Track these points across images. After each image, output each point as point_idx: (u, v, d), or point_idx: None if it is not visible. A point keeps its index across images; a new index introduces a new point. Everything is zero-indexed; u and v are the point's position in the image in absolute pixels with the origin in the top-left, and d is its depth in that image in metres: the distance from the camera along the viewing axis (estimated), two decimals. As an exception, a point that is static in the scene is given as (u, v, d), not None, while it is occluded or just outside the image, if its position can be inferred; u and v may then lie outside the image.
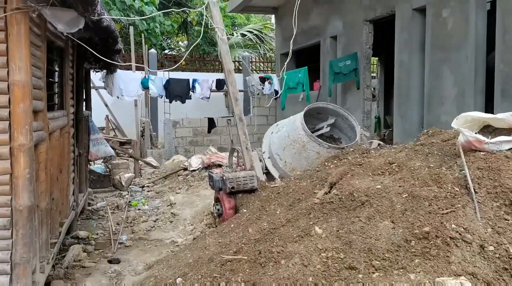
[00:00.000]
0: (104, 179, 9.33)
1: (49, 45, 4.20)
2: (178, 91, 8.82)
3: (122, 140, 10.61)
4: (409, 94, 7.78)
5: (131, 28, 13.22)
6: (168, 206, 7.27)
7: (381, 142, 5.65)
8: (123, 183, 9.18)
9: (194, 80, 9.03)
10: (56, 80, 4.72)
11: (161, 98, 9.42)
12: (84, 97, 7.09)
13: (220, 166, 8.53)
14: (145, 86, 8.62)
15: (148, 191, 8.77)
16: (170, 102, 9.54)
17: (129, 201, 8.04)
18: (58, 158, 4.79)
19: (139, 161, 10.43)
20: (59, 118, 4.70)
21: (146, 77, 8.64)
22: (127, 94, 8.38)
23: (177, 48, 25.21)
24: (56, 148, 4.62)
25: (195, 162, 8.91)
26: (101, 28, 3.95)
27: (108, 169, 10.09)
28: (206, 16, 4.96)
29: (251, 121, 13.78)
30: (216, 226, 5.22)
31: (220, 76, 13.28)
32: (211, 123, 12.91)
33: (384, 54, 12.74)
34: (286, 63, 6.41)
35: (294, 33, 6.46)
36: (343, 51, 9.92)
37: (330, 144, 4.79)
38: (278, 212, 3.59)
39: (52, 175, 4.44)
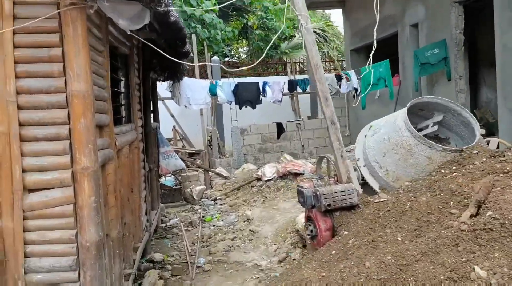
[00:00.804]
0: (175, 193, 8.92)
1: (112, 51, 3.70)
2: (247, 96, 8.23)
3: (191, 151, 10.21)
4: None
5: (193, 36, 12.89)
6: (245, 221, 6.65)
7: (504, 141, 4.66)
8: (195, 197, 8.72)
9: (265, 83, 8.40)
10: (122, 90, 4.23)
11: (230, 104, 8.87)
12: (151, 108, 6.68)
13: (296, 174, 7.82)
14: (213, 93, 8.11)
15: (221, 204, 8.23)
16: (240, 108, 8.98)
17: (203, 216, 7.53)
18: (128, 177, 4.30)
19: (209, 172, 9.96)
20: (128, 133, 4.21)
21: (214, 83, 8.12)
22: (195, 103, 7.91)
23: (237, 55, 24.93)
24: (125, 166, 4.12)
25: (269, 171, 8.25)
26: (168, 25, 3.38)
27: (178, 182, 9.71)
28: (287, 2, 4.27)
29: (322, 123, 12.93)
30: (307, 248, 4.50)
31: (286, 78, 12.59)
32: (280, 128, 12.27)
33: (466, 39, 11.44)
34: (370, 54, 5.51)
35: (377, 21, 5.58)
36: (426, 40, 8.86)
37: (444, 146, 3.90)
38: (399, 239, 2.79)
39: (123, 197, 3.93)
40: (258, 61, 5.52)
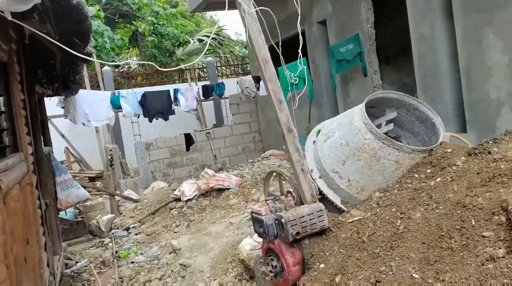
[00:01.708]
0: (78, 226, 7.58)
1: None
2: (158, 107, 7.24)
3: (92, 175, 8.84)
4: (437, 72, 6.55)
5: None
6: (171, 253, 5.67)
7: (457, 135, 4.34)
8: (103, 228, 7.48)
9: (176, 91, 7.48)
10: (2, 109, 3.08)
11: (138, 117, 7.76)
12: (40, 130, 5.40)
13: (221, 190, 7.02)
14: (115, 105, 6.96)
15: (136, 234, 7.10)
16: (150, 120, 7.91)
17: (116, 252, 6.38)
18: (22, 226, 3.14)
19: (116, 197, 8.71)
20: (16, 167, 3.07)
21: (116, 94, 6.98)
22: (95, 119, 6.72)
23: (128, 65, 23.32)
24: (17, 213, 2.98)
25: (188, 189, 7.33)
26: (68, 11, 2.38)
27: (79, 212, 8.36)
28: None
29: (232, 130, 12.27)
30: (258, 282, 3.72)
31: (185, 86, 11.62)
32: (189, 139, 11.37)
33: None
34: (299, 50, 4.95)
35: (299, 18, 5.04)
36: (336, 36, 8.63)
37: (414, 147, 3.40)
38: (417, 276, 2.14)
39: (18, 258, 2.81)
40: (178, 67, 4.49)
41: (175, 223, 6.70)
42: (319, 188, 3.69)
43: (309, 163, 3.85)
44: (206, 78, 16.68)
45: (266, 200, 3.55)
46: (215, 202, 6.73)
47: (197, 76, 17.40)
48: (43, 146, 5.37)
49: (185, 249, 5.51)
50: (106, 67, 14.22)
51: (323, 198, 3.71)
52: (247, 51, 25.47)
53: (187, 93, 7.51)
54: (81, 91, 6.38)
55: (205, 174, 7.04)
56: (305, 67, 8.31)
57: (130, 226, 7.42)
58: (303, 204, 3.39)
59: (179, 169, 11.44)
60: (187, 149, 11.43)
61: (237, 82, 8.56)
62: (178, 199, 7.43)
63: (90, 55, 3.50)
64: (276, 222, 3.05)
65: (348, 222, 3.09)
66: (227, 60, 20.57)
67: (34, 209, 3.74)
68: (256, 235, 4.38)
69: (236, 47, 24.18)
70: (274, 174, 3.90)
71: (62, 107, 6.83)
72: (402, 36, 8.28)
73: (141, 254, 6.07)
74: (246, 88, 8.31)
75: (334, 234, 3.05)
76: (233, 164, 12.12)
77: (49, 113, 9.49)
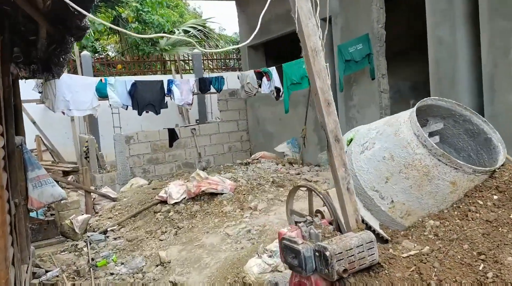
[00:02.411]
0: (48, 226, 6.80)
1: None
2: (149, 98, 6.51)
3: (67, 169, 8.01)
4: (455, 79, 6.07)
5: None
6: (158, 266, 4.97)
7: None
8: (77, 230, 6.72)
9: (170, 82, 6.74)
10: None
11: (126, 109, 6.99)
12: (13, 117, 4.62)
13: (213, 194, 6.36)
14: (102, 94, 6.19)
15: (115, 239, 6.36)
16: (140, 113, 7.14)
17: (93, 260, 5.64)
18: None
19: (93, 194, 7.91)
20: (-19, 168, 2.35)
21: (103, 81, 6.21)
22: (77, 107, 5.94)
23: (106, 52, 22.25)
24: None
25: (176, 191, 6.63)
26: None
27: (49, 210, 7.55)
28: None
29: (219, 128, 11.58)
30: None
31: (169, 78, 10.77)
32: (173, 135, 10.62)
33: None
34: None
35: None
36: (341, 35, 8.07)
37: (476, 167, 2.84)
38: None
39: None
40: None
41: (160, 229, 6.00)
42: (353, 209, 3.08)
43: (341, 177, 3.24)
44: (192, 71, 15.91)
45: (296, 222, 2.91)
46: (207, 208, 6.06)
47: (182, 68, 16.60)
48: (14, 136, 4.59)
49: (176, 263, 4.83)
50: (85, 52, 13.30)
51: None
52: (231, 46, 24.80)
53: (183, 86, 6.80)
54: (64, 75, 5.58)
55: (197, 176, 6.36)
56: None
57: (108, 229, 6.66)
58: (339, 228, 2.80)
59: (160, 166, 10.69)
60: (170, 145, 10.69)
61: (238, 77, 7.87)
62: (163, 202, 6.73)
63: (84, 30, 2.79)
64: (317, 254, 2.43)
65: (403, 256, 2.50)
66: (212, 54, 19.80)
67: (2, 219, 3.00)
68: (265, 255, 3.77)
69: (220, 41, 23.42)
70: (304, 189, 3.27)
71: (40, 92, 6.02)
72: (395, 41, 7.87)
73: (122, 264, 5.35)
74: (247, 84, 7.65)
75: (385, 271, 2.45)
76: (218, 163, 11.44)
77: (23, 97, 8.63)
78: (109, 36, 21.22)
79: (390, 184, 2.98)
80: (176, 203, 6.49)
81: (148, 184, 10.00)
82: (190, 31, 19.93)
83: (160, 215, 6.38)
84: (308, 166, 8.79)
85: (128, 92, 6.42)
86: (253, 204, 5.88)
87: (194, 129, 11.13)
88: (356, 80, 7.84)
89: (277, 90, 7.94)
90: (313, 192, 3.14)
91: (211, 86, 7.54)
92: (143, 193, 8.46)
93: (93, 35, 15.88)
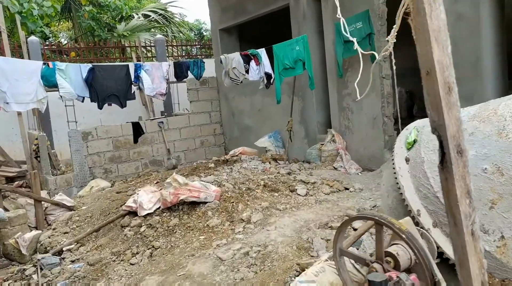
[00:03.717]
0: (-13, 247, 5.50)
1: None
2: (111, 88, 5.29)
3: (11, 174, 6.64)
4: (478, 63, 5.21)
5: (-1, 6, 8.93)
6: (131, 305, 3.83)
7: None
8: (24, 251, 5.48)
9: (139, 67, 5.51)
10: None
11: (82, 101, 5.67)
12: None
13: (194, 204, 5.24)
14: (50, 82, 4.90)
15: (72, 262, 5.11)
16: (101, 107, 5.84)
17: (46, 292, 4.43)
18: None
19: (44, 203, 6.61)
20: None
21: (51, 66, 4.90)
22: (17, 100, 4.61)
23: (60, 38, 20.37)
24: None
25: (148, 200, 5.46)
26: None
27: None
28: None
29: (189, 120, 10.39)
30: None
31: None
32: (137, 129, 9.40)
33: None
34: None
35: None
36: (333, 14, 7.06)
37: None
38: None
39: None
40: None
41: (130, 250, 4.82)
42: (436, 243, 2.09)
43: (409, 198, 2.24)
44: (154, 58, 14.52)
45: (370, 282, 1.87)
46: (188, 221, 4.94)
47: (143, 56, 15.18)
48: None
49: (157, 300, 3.70)
50: (32, 37, 11.71)
51: (442, 260, 2.12)
52: (192, 34, 23.44)
53: (154, 71, 5.56)
54: (-3, 57, 4.25)
55: (173, 182, 5.21)
56: (304, 47, 6.70)
57: (64, 249, 5.41)
58: None
59: (124, 165, 9.42)
60: (135, 141, 9.44)
61: (221, 61, 6.66)
62: (132, 213, 5.54)
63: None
64: None
65: None
66: (174, 39, 18.39)
67: None
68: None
69: (182, 27, 21.96)
70: (371, 224, 2.22)
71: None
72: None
73: (83, 300, 4.17)
74: (233, 69, 6.47)
75: None
76: (189, 160, 10.28)
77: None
78: (61, 22, 19.43)
79: (497, 211, 2.00)
80: (148, 214, 5.32)
81: (111, 186, 8.73)
82: (150, 16, 18.49)
83: (129, 230, 5.19)
84: (296, 162, 7.79)
85: (84, 80, 5.16)
86: (245, 215, 4.82)
87: (162, 122, 9.90)
88: (351, 64, 6.87)
89: (268, 76, 6.86)
90: (383, 227, 2.08)
91: (188, 71, 6.35)
92: (105, 198, 7.22)
93: (40, 19, 14.17)
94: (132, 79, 5.58)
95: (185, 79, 10.21)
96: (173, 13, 19.61)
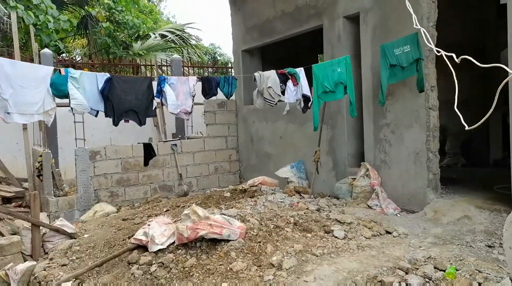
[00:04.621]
0: (-27, 279, 4.76)
1: None
2: (130, 102, 4.63)
3: (8, 194, 5.95)
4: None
5: (13, 15, 8.46)
6: None
7: None
8: (14, 285, 4.71)
9: (163, 81, 4.88)
10: None
11: (96, 115, 5.02)
12: None
13: (215, 241, 4.50)
14: (60, 92, 4.27)
15: (70, 302, 4.36)
16: (116, 123, 5.17)
17: None
18: None
19: (43, 228, 5.88)
20: None
21: (63, 73, 4.28)
22: (20, 110, 3.95)
23: (73, 54, 20.02)
24: None
25: (161, 232, 4.74)
26: None
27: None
28: None
29: (204, 145, 9.72)
30: None
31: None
32: (149, 151, 8.76)
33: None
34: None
35: None
36: (373, 36, 6.46)
37: None
38: None
39: None
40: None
41: (138, 293, 4.08)
42: None
43: None
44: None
45: None
46: (207, 262, 4.20)
47: (158, 75, 14.64)
48: None
49: None
50: (46, 50, 11.23)
51: None
52: (206, 57, 23.11)
53: (180, 86, 4.91)
54: (1, 59, 3.63)
55: (192, 214, 4.49)
56: (346, 69, 6.07)
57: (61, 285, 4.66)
58: None
59: (132, 189, 8.72)
60: (146, 163, 8.77)
61: (254, 79, 5.99)
62: (141, 247, 4.81)
63: None
64: None
65: None
66: (190, 61, 17.95)
67: None
68: None
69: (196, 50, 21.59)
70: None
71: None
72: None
73: None
74: (268, 88, 5.80)
75: None
76: (202, 186, 9.57)
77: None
78: (75, 39, 19.12)
79: None
80: (160, 251, 4.59)
81: (117, 212, 8.02)
82: (167, 36, 18.14)
83: (138, 268, 4.44)
84: (322, 197, 7.07)
85: (99, 92, 4.52)
86: (276, 259, 4.07)
87: (175, 145, 9.24)
88: (392, 92, 6.21)
89: (305, 99, 6.21)
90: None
91: (218, 89, 5.69)
92: (110, 226, 6.51)
93: (55, 33, 13.80)
94: (155, 94, 4.95)
95: (203, 100, 9.65)
96: (190, 34, 19.21)
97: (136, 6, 18.48)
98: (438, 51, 2.75)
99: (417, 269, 3.86)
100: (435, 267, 3.87)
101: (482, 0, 7.89)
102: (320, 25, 7.45)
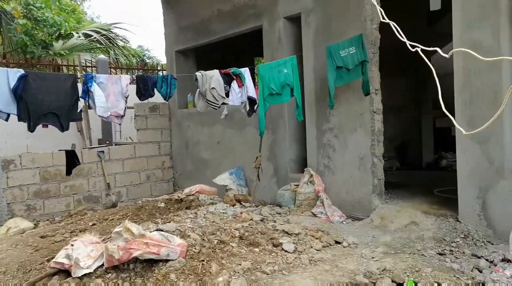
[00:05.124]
0: None
1: None
2: (50, 103, 3.90)
3: None
4: (497, 99, 4.50)
5: None
6: None
7: None
8: None
9: (90, 79, 4.22)
10: None
11: (6, 119, 4.21)
12: None
13: (150, 262, 3.96)
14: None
15: None
16: (32, 129, 4.35)
17: None
18: None
19: None
20: None
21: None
22: None
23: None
24: None
25: (87, 254, 4.10)
26: None
27: None
28: None
29: (135, 151, 9.03)
30: None
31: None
32: (72, 159, 7.91)
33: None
34: None
35: None
36: (315, 39, 6.24)
37: None
38: None
39: None
40: None
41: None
42: None
43: None
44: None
45: None
46: (143, 287, 3.66)
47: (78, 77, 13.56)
48: None
49: None
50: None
51: None
52: (134, 59, 22.09)
53: (111, 86, 4.24)
54: None
55: (125, 232, 3.91)
56: (292, 70, 5.75)
57: (-39, 322, 3.87)
58: None
59: (52, 201, 7.84)
60: (68, 172, 7.91)
61: (196, 79, 5.40)
62: (63, 271, 4.13)
63: None
64: None
65: None
66: (118, 62, 16.95)
67: None
68: None
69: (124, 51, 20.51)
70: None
71: None
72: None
73: None
74: (211, 90, 5.25)
75: None
76: (132, 196, 8.86)
77: None
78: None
79: None
80: (86, 275, 3.96)
81: (34, 228, 7.12)
82: (92, 36, 17.01)
83: (59, 298, 3.79)
84: (264, 205, 6.72)
85: (12, 91, 3.78)
86: (222, 280, 3.62)
87: (102, 152, 8.47)
88: (336, 95, 5.98)
89: (251, 101, 5.78)
90: None
91: (154, 89, 5.06)
92: (25, 245, 5.68)
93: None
94: (80, 94, 4.27)
95: (133, 104, 8.96)
96: (117, 34, 18.19)
97: (58, 3, 17.14)
98: (413, 47, 2.49)
99: (374, 283, 3.60)
100: (392, 281, 3.63)
101: (413, 8, 7.99)
102: (260, 26, 7.13)
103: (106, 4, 44.24)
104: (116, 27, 18.77)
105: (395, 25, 2.58)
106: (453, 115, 4.87)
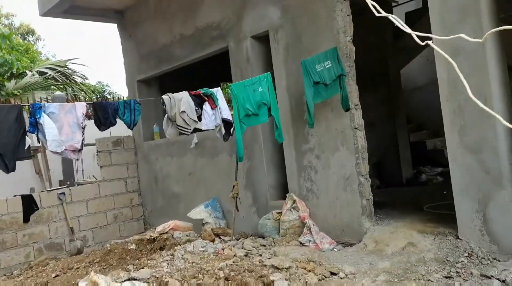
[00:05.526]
0: None
1: None
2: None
3: None
4: (485, 105, 4.24)
5: None
6: None
7: None
8: None
9: (38, 109, 3.66)
10: None
11: None
12: None
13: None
14: None
15: None
16: None
17: None
18: None
19: None
20: None
21: None
22: None
23: None
24: None
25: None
26: None
27: None
28: None
29: (100, 190, 8.35)
30: None
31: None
32: (29, 203, 7.27)
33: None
34: None
35: None
36: (285, 57, 5.92)
37: None
38: None
39: None
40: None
41: None
42: None
43: None
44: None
45: None
46: None
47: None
48: None
49: None
50: None
51: None
52: (94, 96, 21.45)
53: (64, 116, 3.66)
54: None
55: (90, 283, 3.33)
56: (268, 87, 5.35)
57: None
58: None
59: (9, 253, 7.05)
60: (26, 219, 7.22)
61: (163, 103, 4.87)
62: None
63: None
64: None
65: None
66: (76, 98, 16.25)
67: None
68: None
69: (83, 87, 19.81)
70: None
71: None
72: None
73: None
74: (181, 113, 4.74)
75: None
76: (99, 240, 8.14)
77: None
78: None
79: None
80: None
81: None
82: (47, 73, 16.28)
83: None
84: (245, 237, 6.21)
85: None
86: (211, 332, 3.10)
87: (63, 193, 7.78)
88: (317, 113, 5.63)
89: (226, 124, 5.31)
90: None
91: (116, 118, 4.50)
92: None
93: None
94: (27, 127, 3.68)
95: (94, 139, 8.36)
96: (75, 71, 17.51)
97: (8, 42, 16.37)
98: (423, 40, 2.12)
99: (386, 319, 3.15)
100: (405, 314, 3.19)
101: (379, 24, 7.87)
102: (226, 47, 6.77)
103: (62, 42, 43.35)
104: (72, 63, 18.11)
105: (396, 17, 2.22)
106: (441, 125, 4.60)
